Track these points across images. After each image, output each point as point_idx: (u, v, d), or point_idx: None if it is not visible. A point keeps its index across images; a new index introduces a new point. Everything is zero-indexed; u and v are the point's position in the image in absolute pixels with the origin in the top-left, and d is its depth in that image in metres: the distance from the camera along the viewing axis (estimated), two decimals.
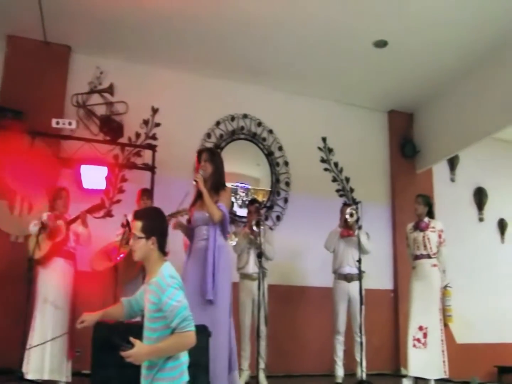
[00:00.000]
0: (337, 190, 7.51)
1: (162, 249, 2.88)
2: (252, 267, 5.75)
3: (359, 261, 5.69)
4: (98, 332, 3.26)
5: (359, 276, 5.70)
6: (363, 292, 5.81)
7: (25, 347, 4.77)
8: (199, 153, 4.34)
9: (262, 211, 6.71)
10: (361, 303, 5.67)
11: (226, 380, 3.97)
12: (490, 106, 6.47)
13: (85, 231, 5.21)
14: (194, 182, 4.17)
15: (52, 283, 5.00)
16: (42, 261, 5.03)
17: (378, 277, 7.26)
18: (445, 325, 7.43)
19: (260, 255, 5.44)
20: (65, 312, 5.01)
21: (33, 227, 5.07)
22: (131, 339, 2.70)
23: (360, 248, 5.84)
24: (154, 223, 2.91)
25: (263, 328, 5.77)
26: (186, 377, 2.77)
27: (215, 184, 4.24)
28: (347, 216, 5.88)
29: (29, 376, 4.80)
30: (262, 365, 5.77)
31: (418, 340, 5.77)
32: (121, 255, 5.11)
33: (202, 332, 3.69)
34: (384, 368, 6.92)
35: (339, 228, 6.07)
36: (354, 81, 7.17)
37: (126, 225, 5.20)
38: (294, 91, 7.41)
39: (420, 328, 5.77)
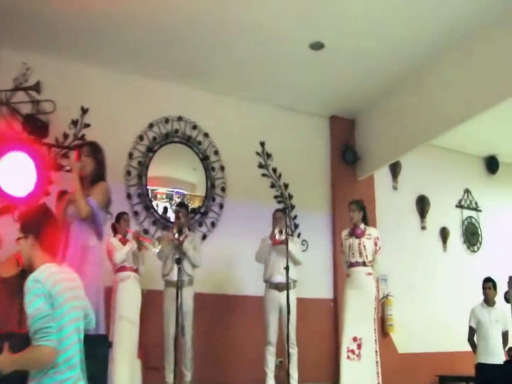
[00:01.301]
0: (275, 197, 7.30)
1: (46, 248, 2.65)
2: (176, 274, 5.45)
3: (287, 269, 5.48)
4: None
5: (287, 285, 5.48)
6: (293, 302, 5.64)
7: None
8: (80, 146, 4.13)
9: (190, 215, 6.48)
10: (288, 313, 5.45)
11: None
12: (428, 112, 6.40)
13: None
14: (67, 167, 3.99)
15: None
16: None
17: (318, 286, 7.10)
18: (386, 335, 7.37)
19: (179, 261, 5.23)
20: None
21: None
22: (5, 345, 2.46)
23: (290, 257, 5.68)
24: (30, 221, 2.71)
25: (188, 338, 5.57)
26: None
27: (95, 180, 3.99)
28: (276, 234, 5.75)
29: None
30: (188, 377, 5.55)
31: (352, 351, 5.60)
32: None
33: (101, 342, 3.46)
34: (324, 380, 6.69)
35: (269, 239, 5.93)
36: (293, 85, 7.00)
37: None
38: (231, 94, 7.20)
39: (354, 339, 5.60)
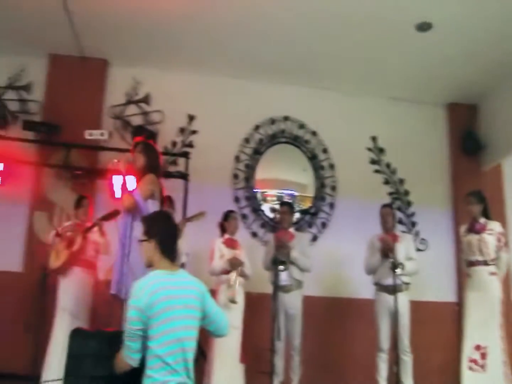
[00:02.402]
0: (390, 193, 6.90)
1: (167, 254, 2.82)
2: (283, 279, 5.32)
3: (395, 270, 5.09)
4: (74, 340, 3.17)
5: (396, 288, 5.10)
6: (405, 305, 5.25)
7: (39, 353, 4.89)
8: (137, 144, 4.20)
9: (301, 217, 6.34)
10: (398, 317, 5.06)
11: None
12: None
13: (103, 239, 5.18)
14: (115, 160, 4.05)
15: (71, 293, 5.04)
16: (61, 271, 5.09)
17: (439, 288, 6.58)
18: None
19: (277, 262, 5.10)
20: (83, 322, 4.99)
21: (51, 237, 5.18)
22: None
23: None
24: (153, 226, 2.89)
25: (296, 343, 5.43)
26: None
27: (143, 176, 4.04)
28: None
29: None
30: (294, 382, 5.41)
31: (475, 361, 5.07)
32: None
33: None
34: None
35: (375, 239, 5.55)
36: (402, 73, 6.56)
37: None
38: (337, 89, 6.97)
39: (477, 347, 5.07)
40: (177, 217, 5.72)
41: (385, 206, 5.72)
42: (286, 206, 5.77)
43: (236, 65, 6.60)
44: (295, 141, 6.87)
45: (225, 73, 6.73)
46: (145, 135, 6.10)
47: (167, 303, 2.63)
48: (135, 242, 3.74)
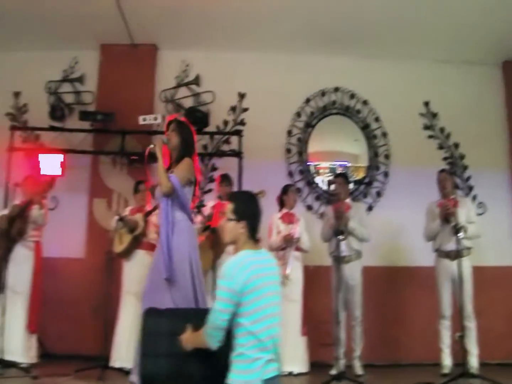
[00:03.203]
0: (445, 158, 6.78)
1: (253, 234, 2.86)
2: (343, 250, 5.32)
3: (457, 234, 5.01)
4: (148, 319, 3.32)
5: (459, 253, 5.03)
6: (468, 270, 5.19)
7: (108, 335, 5.14)
8: (169, 123, 4.12)
9: (355, 187, 6.35)
10: (461, 283, 5.01)
11: None
12: None
13: None
14: (151, 145, 3.99)
15: (135, 275, 5.25)
16: (124, 254, 5.32)
17: (500, 252, 6.45)
18: None
19: (338, 233, 5.13)
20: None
21: (113, 222, 5.40)
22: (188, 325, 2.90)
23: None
24: (246, 207, 2.90)
25: (357, 314, 5.51)
26: (256, 375, 2.65)
27: (180, 157, 3.98)
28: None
29: (116, 364, 5.13)
30: (357, 353, 5.51)
31: None
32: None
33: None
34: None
35: (434, 206, 5.49)
36: (453, 35, 6.34)
37: (198, 212, 5.27)
38: (386, 56, 6.83)
39: None
40: None
41: (442, 171, 5.63)
42: (342, 178, 5.78)
43: (284, 40, 6.59)
44: (346, 112, 6.84)
45: (273, 49, 6.74)
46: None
47: (259, 280, 2.69)
48: (175, 226, 3.83)
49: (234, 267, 2.70)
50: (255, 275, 2.69)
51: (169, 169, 3.96)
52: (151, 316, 3.33)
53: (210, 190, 6.51)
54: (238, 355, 2.69)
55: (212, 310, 2.72)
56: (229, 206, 2.89)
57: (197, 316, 3.10)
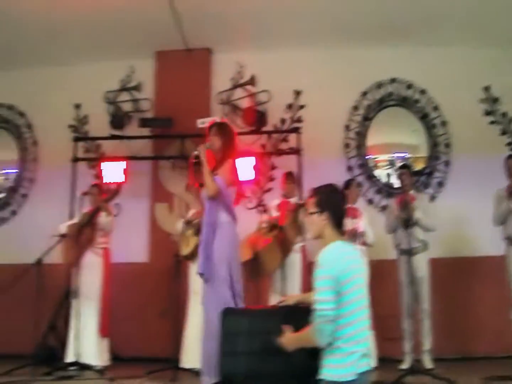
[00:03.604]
0: (508, 144, 6.58)
1: (337, 226, 2.81)
2: (407, 242, 5.30)
3: None
4: (227, 318, 3.36)
5: None
6: None
7: (177, 337, 5.23)
8: (210, 127, 4.23)
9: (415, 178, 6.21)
10: None
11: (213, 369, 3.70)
12: None
13: None
14: (195, 152, 4.08)
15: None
16: (191, 257, 5.39)
17: None
18: None
19: (406, 224, 5.08)
20: None
21: (179, 225, 5.49)
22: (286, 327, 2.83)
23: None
24: (328, 198, 2.86)
25: (425, 307, 5.41)
26: (351, 369, 2.59)
27: (222, 158, 4.09)
28: None
29: (187, 365, 5.20)
30: (426, 346, 5.40)
31: None
32: (264, 243, 5.19)
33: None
34: None
35: (502, 192, 5.32)
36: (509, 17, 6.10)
37: (265, 211, 5.28)
38: (444, 43, 6.67)
39: None
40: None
41: (510, 157, 5.47)
42: (405, 169, 5.71)
43: (338, 33, 6.56)
44: (404, 102, 6.75)
45: (327, 44, 6.72)
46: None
47: (354, 271, 2.66)
48: (219, 227, 3.98)
49: (332, 255, 2.67)
50: (351, 265, 2.67)
51: (213, 171, 4.07)
52: (230, 315, 3.38)
53: (270, 189, 6.56)
54: (334, 349, 2.62)
55: (317, 303, 2.62)
56: (311, 200, 2.86)
57: (275, 315, 3.14)
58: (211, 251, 3.94)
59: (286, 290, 5.10)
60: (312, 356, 2.76)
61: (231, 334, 3.28)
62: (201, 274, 3.95)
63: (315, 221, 2.82)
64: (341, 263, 2.63)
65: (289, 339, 2.81)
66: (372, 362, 2.85)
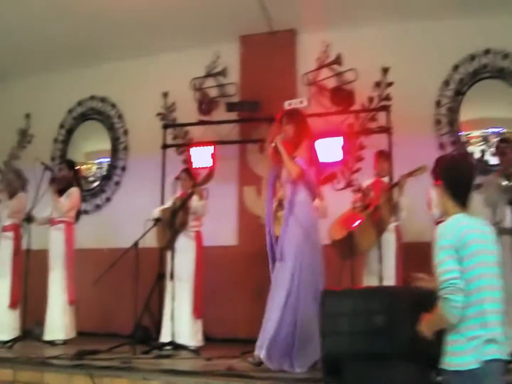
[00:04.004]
0: None
1: (457, 200, 2.62)
2: (510, 221, 4.99)
3: None
4: (327, 300, 3.40)
5: None
6: None
7: None
8: (280, 118, 4.23)
9: None
10: None
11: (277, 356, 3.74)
12: None
13: (322, 203, 5.35)
14: (273, 144, 4.08)
15: None
16: None
17: None
18: None
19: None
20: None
21: (274, 206, 5.47)
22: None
23: None
24: (447, 170, 2.74)
25: None
26: (473, 356, 2.34)
27: (298, 141, 4.11)
28: None
29: None
30: None
31: None
32: (357, 222, 5.10)
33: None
34: None
35: None
36: None
37: (359, 190, 5.18)
38: None
39: None
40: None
41: (502, 141, 5.21)
42: (506, 143, 5.38)
43: (426, 6, 6.26)
44: (500, 74, 6.36)
45: (415, 17, 6.46)
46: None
47: (478, 246, 2.47)
48: (299, 206, 4.00)
49: (452, 227, 2.50)
50: (475, 238, 2.47)
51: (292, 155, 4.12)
52: (331, 296, 3.39)
53: (359, 170, 6.44)
54: (454, 333, 2.42)
55: (441, 275, 2.41)
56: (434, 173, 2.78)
57: (378, 296, 3.11)
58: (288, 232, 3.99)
59: (381, 270, 5.00)
60: (418, 338, 2.65)
61: (333, 315, 3.29)
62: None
63: (439, 195, 2.72)
64: (460, 235, 2.45)
65: (425, 323, 2.55)
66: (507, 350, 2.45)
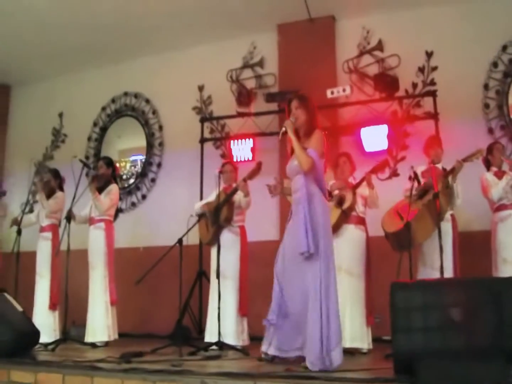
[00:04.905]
0: None
1: None
2: None
3: None
4: (397, 293, 3.21)
5: None
6: None
7: None
8: (289, 101, 4.04)
9: None
10: None
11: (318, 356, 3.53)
12: None
13: (371, 192, 5.16)
14: (283, 129, 3.92)
15: (345, 251, 5.06)
16: (333, 230, 5.15)
17: None
18: None
19: None
20: (361, 279, 5.06)
21: None
22: None
23: None
24: None
25: None
26: None
27: (309, 130, 3.92)
28: None
29: None
30: None
31: None
32: (414, 212, 4.85)
33: None
34: None
35: None
36: None
37: (414, 178, 4.94)
38: None
39: None
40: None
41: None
42: None
43: None
44: None
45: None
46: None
47: None
48: (312, 197, 3.81)
49: None
50: None
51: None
52: (401, 290, 3.19)
53: (403, 158, 6.22)
54: None
55: None
56: None
57: (452, 287, 2.91)
58: (311, 225, 3.78)
59: (441, 261, 4.74)
60: (500, 332, 2.47)
61: (405, 309, 3.11)
62: (303, 253, 3.77)
63: None
64: None
65: None
66: None
